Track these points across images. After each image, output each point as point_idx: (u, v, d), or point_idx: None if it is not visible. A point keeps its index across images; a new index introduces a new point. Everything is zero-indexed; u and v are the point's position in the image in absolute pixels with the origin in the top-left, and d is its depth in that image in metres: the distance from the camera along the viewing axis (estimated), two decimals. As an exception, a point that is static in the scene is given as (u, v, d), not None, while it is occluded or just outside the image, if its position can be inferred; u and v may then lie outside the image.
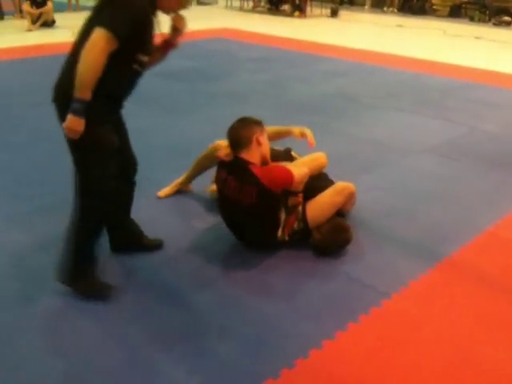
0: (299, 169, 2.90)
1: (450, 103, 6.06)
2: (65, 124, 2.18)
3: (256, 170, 2.82)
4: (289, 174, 2.82)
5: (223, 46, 9.19)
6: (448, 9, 14.90)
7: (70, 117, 2.16)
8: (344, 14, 14.03)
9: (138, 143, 2.73)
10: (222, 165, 2.98)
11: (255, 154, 2.91)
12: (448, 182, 3.93)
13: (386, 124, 5.30)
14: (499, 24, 13.31)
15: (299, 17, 13.21)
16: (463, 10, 14.79)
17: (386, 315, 2.45)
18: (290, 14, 13.43)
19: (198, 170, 3.56)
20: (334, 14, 13.82)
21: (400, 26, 12.21)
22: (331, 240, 2.93)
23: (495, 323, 2.42)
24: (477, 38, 10.80)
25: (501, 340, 2.31)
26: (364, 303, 2.51)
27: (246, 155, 2.88)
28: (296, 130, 3.28)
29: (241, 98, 5.95)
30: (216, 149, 3.22)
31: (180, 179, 3.61)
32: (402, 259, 2.91)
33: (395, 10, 15.12)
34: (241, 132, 2.91)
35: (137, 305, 2.48)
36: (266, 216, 2.88)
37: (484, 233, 3.20)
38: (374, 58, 8.46)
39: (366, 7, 15.70)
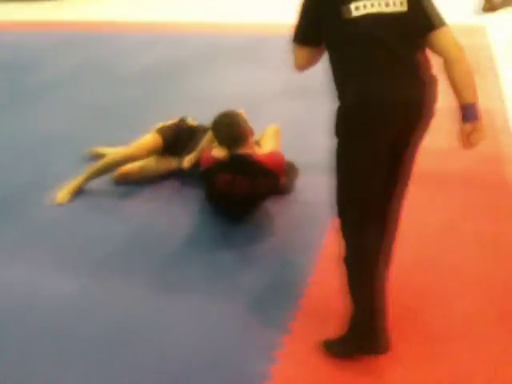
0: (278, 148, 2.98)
1: (268, 55, 6.45)
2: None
3: (262, 161, 2.83)
4: (281, 155, 2.92)
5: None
6: None
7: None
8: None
9: None
10: (222, 166, 2.84)
11: (251, 144, 2.95)
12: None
13: (230, 81, 5.54)
14: None
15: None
16: None
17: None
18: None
19: (100, 174, 3.41)
20: None
21: None
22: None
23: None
24: None
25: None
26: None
27: (244, 149, 2.88)
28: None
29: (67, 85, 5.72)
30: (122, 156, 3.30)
31: (78, 181, 3.37)
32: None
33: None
34: (238, 128, 2.89)
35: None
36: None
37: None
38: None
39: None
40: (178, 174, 3.48)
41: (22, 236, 2.97)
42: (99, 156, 3.72)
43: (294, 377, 2.00)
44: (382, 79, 1.85)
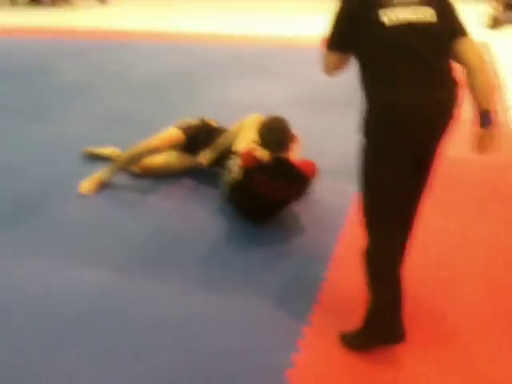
0: None
1: (276, 66, 6.75)
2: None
3: (299, 167, 2.86)
4: (314, 162, 2.93)
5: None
6: None
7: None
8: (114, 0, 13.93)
9: None
10: (263, 168, 2.83)
11: (292, 150, 3.02)
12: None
13: (240, 91, 5.69)
14: None
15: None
16: None
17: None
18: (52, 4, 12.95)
19: (125, 166, 3.49)
20: (102, 1, 13.55)
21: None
22: None
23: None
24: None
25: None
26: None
27: (288, 154, 2.94)
28: None
29: (80, 91, 5.85)
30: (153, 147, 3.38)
31: (102, 173, 3.45)
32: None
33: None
34: (287, 133, 2.95)
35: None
36: None
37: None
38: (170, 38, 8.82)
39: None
40: (194, 173, 3.58)
41: (48, 232, 3.01)
42: (94, 156, 3.83)
43: (317, 364, 2.06)
44: (411, 84, 1.91)
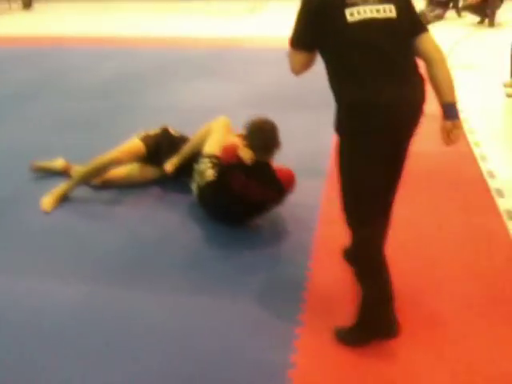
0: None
1: (224, 68, 6.73)
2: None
3: (278, 174, 2.89)
4: (293, 173, 2.97)
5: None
6: None
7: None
8: (39, 5, 13.35)
9: None
10: (242, 168, 2.84)
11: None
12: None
13: (191, 93, 5.66)
14: None
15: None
16: None
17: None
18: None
19: (86, 179, 3.40)
20: (26, 5, 12.96)
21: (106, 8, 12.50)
22: None
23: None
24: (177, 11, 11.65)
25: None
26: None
27: (271, 159, 2.91)
28: None
29: (27, 97, 5.66)
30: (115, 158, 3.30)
31: (62, 188, 3.32)
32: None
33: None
34: (276, 138, 2.89)
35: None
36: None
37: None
38: (107, 42, 8.67)
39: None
40: (159, 182, 3.51)
41: (13, 247, 2.91)
42: (43, 171, 3.67)
43: (316, 363, 2.09)
44: (378, 82, 1.95)
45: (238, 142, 3.02)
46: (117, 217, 3.20)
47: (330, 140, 4.21)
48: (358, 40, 1.96)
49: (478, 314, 2.35)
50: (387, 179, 2.11)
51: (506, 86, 5.50)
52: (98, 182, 3.47)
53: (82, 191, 3.44)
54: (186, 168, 3.31)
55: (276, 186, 2.89)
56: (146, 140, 3.46)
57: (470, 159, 3.86)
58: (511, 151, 4.12)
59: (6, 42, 8.88)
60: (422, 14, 9.64)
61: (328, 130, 4.37)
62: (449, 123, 2.05)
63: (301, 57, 2.10)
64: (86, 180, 3.40)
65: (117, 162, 3.39)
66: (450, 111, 2.04)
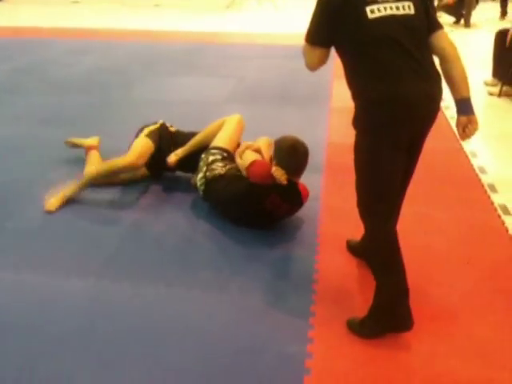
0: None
1: (206, 62, 6.69)
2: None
3: (302, 192, 2.91)
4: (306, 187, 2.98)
5: None
6: None
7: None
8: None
9: None
10: (276, 188, 2.79)
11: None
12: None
13: (176, 88, 5.60)
14: None
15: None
16: None
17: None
18: None
19: (107, 180, 3.32)
20: None
21: (76, 2, 12.49)
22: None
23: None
24: (156, 5, 11.84)
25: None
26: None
27: (299, 179, 2.89)
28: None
29: (4, 91, 5.56)
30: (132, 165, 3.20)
31: (70, 190, 3.19)
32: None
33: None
34: (307, 160, 2.86)
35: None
36: None
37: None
38: (86, 34, 8.60)
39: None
40: (160, 180, 3.50)
41: (15, 244, 2.84)
42: (75, 146, 3.68)
43: (332, 354, 2.11)
44: (402, 74, 1.99)
45: (264, 152, 2.99)
46: (117, 213, 3.16)
47: (322, 134, 4.30)
48: (379, 36, 1.99)
49: (483, 305, 2.41)
50: (404, 171, 2.16)
51: (487, 84, 5.63)
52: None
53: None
54: (186, 163, 3.30)
55: (299, 202, 2.93)
56: (152, 136, 3.36)
57: (461, 155, 3.95)
58: (499, 147, 4.23)
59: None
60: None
61: (319, 124, 4.52)
62: (464, 118, 2.09)
63: (318, 52, 2.11)
64: (95, 182, 3.28)
65: (133, 167, 3.28)
66: (465, 106, 2.09)
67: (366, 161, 2.10)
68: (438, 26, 2.11)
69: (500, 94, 5.33)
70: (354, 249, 2.73)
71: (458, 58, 2.09)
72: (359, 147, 2.10)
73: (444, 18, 9.89)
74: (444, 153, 3.97)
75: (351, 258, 2.70)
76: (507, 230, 2.97)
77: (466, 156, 3.92)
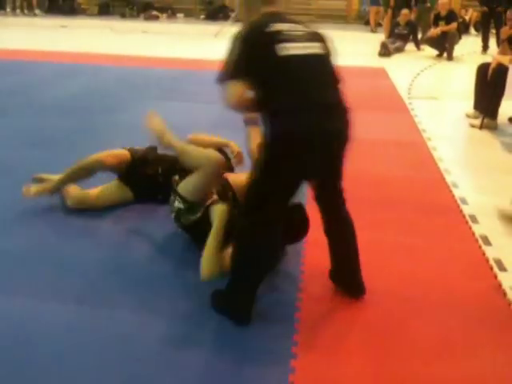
0: None
1: (190, 88, 6.76)
2: None
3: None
4: None
5: None
6: (97, 7, 16.63)
7: None
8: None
9: None
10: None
11: None
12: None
13: (162, 112, 5.41)
14: (149, 18, 15.41)
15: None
16: (111, 8, 16.64)
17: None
18: None
19: (74, 178, 3.38)
20: None
21: (65, 26, 12.94)
22: None
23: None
24: (144, 32, 12.24)
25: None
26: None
27: None
28: (235, 146, 3.43)
29: None
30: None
31: (51, 184, 3.38)
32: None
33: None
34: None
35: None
36: None
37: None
38: (77, 58, 8.69)
39: (18, 11, 15.72)
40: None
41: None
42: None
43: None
44: (306, 113, 2.10)
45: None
46: (98, 233, 3.15)
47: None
48: (289, 74, 2.12)
49: (474, 330, 2.43)
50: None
51: (468, 116, 5.74)
52: (69, 203, 3.35)
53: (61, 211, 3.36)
54: (164, 188, 3.28)
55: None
56: (132, 150, 3.46)
57: (442, 186, 4.00)
58: (480, 178, 4.29)
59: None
60: (384, 45, 10.01)
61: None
62: None
63: (237, 87, 2.13)
64: (71, 179, 3.36)
65: (101, 164, 3.33)
66: None
67: (264, 173, 2.22)
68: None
69: (481, 127, 5.41)
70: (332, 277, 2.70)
71: None
72: (262, 155, 2.22)
73: (427, 51, 10.14)
74: (425, 183, 4.02)
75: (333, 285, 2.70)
76: (487, 261, 2.99)
77: (448, 186, 3.96)
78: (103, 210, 3.37)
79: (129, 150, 3.47)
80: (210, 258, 2.72)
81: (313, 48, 2.18)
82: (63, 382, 2.06)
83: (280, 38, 2.10)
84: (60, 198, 3.43)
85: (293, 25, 2.20)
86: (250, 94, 2.16)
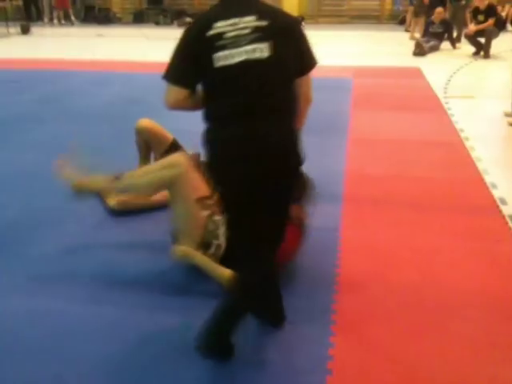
0: None
1: None
2: None
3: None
4: None
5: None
6: (132, 16, 16.68)
7: None
8: (36, 30, 14.02)
9: None
10: None
11: None
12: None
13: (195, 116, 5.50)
14: (183, 25, 14.74)
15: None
16: (146, 16, 16.61)
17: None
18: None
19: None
20: (25, 31, 13.46)
21: (100, 35, 12.97)
22: None
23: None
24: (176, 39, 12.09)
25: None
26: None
27: None
28: None
29: (27, 120, 5.65)
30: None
31: (99, 183, 2.92)
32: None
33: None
34: None
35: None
36: None
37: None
38: (114, 66, 8.81)
39: (55, 21, 16.30)
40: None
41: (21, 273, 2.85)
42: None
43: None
44: (240, 122, 2.01)
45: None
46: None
47: (340, 164, 4.30)
48: (223, 86, 2.01)
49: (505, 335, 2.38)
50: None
51: (507, 115, 5.62)
52: (113, 204, 3.35)
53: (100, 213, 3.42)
54: None
55: None
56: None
57: (481, 186, 3.93)
58: (520, 179, 4.19)
59: (4, 65, 8.92)
60: (418, 44, 9.89)
61: (337, 154, 4.51)
62: None
63: (174, 91, 2.10)
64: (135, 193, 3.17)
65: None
66: None
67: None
68: (302, 72, 2.11)
69: (520, 125, 5.31)
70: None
71: (303, 115, 2.20)
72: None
73: (463, 50, 9.98)
74: (463, 183, 3.96)
75: (372, 289, 2.69)
76: (529, 262, 2.93)
77: (487, 187, 3.89)
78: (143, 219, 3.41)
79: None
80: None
81: (256, 51, 1.96)
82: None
83: (219, 44, 1.96)
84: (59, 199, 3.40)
85: (240, 19, 1.98)
86: (191, 101, 2.12)
